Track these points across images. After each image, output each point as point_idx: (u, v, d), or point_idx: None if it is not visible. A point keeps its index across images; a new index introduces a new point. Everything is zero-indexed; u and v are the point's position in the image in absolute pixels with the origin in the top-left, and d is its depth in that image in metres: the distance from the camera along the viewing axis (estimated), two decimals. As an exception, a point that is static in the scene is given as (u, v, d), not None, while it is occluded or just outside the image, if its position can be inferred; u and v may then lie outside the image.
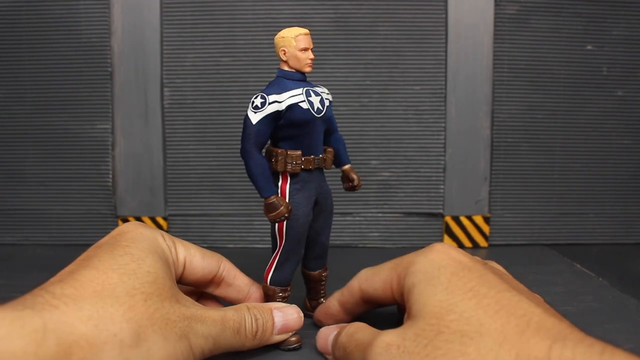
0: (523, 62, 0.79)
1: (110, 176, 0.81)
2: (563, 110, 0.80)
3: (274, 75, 0.46)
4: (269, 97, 0.44)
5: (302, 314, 0.44)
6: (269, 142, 0.46)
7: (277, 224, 0.46)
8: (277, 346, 0.44)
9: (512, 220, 0.81)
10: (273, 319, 0.43)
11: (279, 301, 0.46)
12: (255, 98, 0.44)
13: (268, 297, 0.47)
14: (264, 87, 0.45)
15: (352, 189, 0.51)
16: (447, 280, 0.34)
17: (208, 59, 0.79)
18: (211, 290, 0.47)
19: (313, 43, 0.46)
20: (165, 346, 0.34)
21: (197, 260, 0.44)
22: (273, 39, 0.46)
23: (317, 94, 0.46)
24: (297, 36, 0.45)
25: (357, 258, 0.74)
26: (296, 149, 0.45)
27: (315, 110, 0.45)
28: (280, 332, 0.43)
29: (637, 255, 0.76)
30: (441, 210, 0.80)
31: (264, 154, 0.46)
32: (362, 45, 0.79)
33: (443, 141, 0.80)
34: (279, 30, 0.46)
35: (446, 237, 0.80)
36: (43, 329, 0.29)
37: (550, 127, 0.80)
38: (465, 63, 0.78)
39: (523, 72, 0.79)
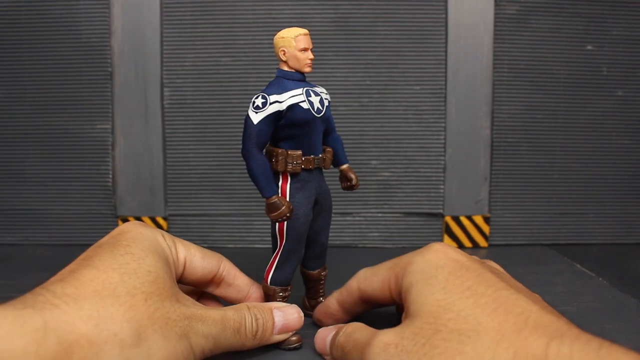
0: (523, 62, 0.79)
1: (110, 176, 0.81)
2: (563, 110, 0.80)
3: (274, 75, 0.47)
4: (270, 97, 0.44)
5: (302, 314, 0.44)
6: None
7: (277, 224, 0.46)
8: (278, 346, 0.44)
9: (512, 220, 0.82)
10: (273, 319, 0.43)
11: (279, 301, 0.46)
12: (256, 98, 0.44)
13: (268, 297, 0.47)
14: (263, 87, 0.45)
15: (350, 188, 0.51)
16: (445, 279, 0.34)
17: (208, 59, 0.79)
18: (211, 290, 0.47)
19: (312, 43, 0.46)
20: (165, 345, 0.34)
21: (198, 260, 0.44)
22: (273, 39, 0.46)
23: (316, 94, 0.46)
24: (296, 36, 0.45)
25: (357, 258, 0.74)
26: (296, 148, 0.45)
27: (315, 110, 0.45)
28: (281, 332, 0.43)
29: (637, 255, 0.76)
30: (441, 210, 0.80)
31: (264, 154, 0.46)
32: (362, 45, 0.79)
33: (443, 141, 0.80)
34: (279, 30, 0.46)
35: (446, 237, 0.80)
36: (44, 328, 0.29)
37: (550, 127, 0.80)
38: (465, 63, 0.78)
39: (523, 72, 0.79)
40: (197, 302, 0.40)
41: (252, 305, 0.42)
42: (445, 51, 0.78)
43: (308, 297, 0.52)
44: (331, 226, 0.51)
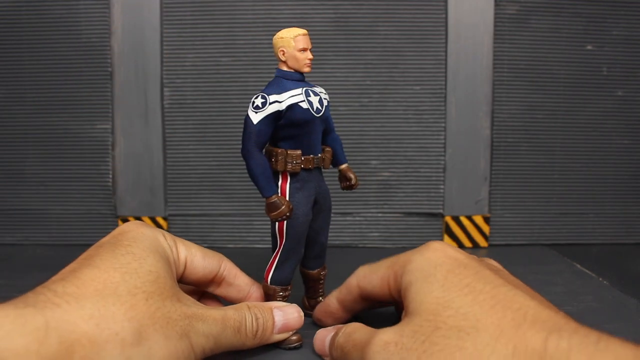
0: (523, 62, 0.79)
1: (110, 176, 0.81)
2: (563, 110, 0.80)
3: (274, 75, 0.47)
4: (270, 97, 0.44)
5: (302, 313, 0.45)
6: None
7: (277, 224, 0.46)
8: (278, 345, 0.44)
9: (512, 220, 0.82)
10: (273, 318, 0.43)
11: (279, 300, 0.46)
12: (256, 98, 0.44)
13: (268, 297, 0.47)
14: (263, 87, 0.45)
15: (350, 188, 0.51)
16: (444, 277, 0.34)
17: (208, 59, 0.79)
18: (212, 289, 0.47)
19: (311, 43, 0.46)
20: (166, 345, 0.34)
21: (198, 259, 0.44)
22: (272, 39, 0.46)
23: (315, 94, 0.46)
24: (295, 36, 0.45)
25: (357, 258, 0.73)
26: (296, 148, 0.46)
27: (314, 110, 0.45)
28: (281, 331, 0.43)
29: (637, 255, 0.76)
30: (441, 210, 0.80)
31: (264, 154, 0.46)
32: (362, 45, 0.79)
33: (443, 141, 0.80)
34: (279, 30, 0.46)
35: (446, 237, 0.80)
36: (45, 327, 0.29)
37: (550, 127, 0.80)
38: (465, 63, 0.78)
39: (523, 72, 0.79)
40: (197, 302, 0.40)
41: (252, 304, 0.42)
42: (445, 51, 0.78)
43: (307, 297, 0.52)
44: (331, 226, 0.51)
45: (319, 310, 0.48)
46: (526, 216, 0.82)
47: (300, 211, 0.46)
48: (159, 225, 0.80)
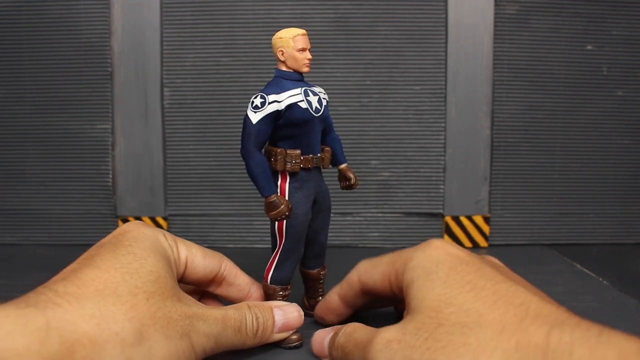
0: (523, 62, 0.79)
1: (110, 176, 0.81)
2: (563, 110, 0.80)
3: (273, 75, 0.47)
4: (269, 97, 0.44)
5: (302, 312, 0.45)
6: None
7: (277, 223, 0.46)
8: (278, 344, 0.44)
9: (512, 220, 0.81)
10: (273, 318, 0.43)
11: (279, 300, 0.46)
12: (255, 98, 0.44)
13: (268, 296, 0.47)
14: (262, 87, 0.45)
15: (349, 187, 0.51)
16: (445, 274, 0.34)
17: (208, 59, 0.79)
18: (212, 289, 0.47)
19: (311, 43, 0.46)
20: (167, 345, 0.34)
21: (199, 259, 0.44)
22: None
23: (314, 94, 0.46)
24: (294, 37, 0.45)
25: (357, 258, 0.73)
26: (295, 148, 0.46)
27: (313, 109, 0.46)
28: (281, 331, 0.43)
29: (637, 255, 0.76)
30: (441, 210, 0.80)
31: (263, 154, 0.46)
32: (362, 45, 0.79)
33: (443, 141, 0.80)
34: (279, 31, 0.46)
35: (446, 237, 0.80)
36: (46, 327, 0.29)
37: (550, 127, 0.80)
38: (465, 63, 0.78)
39: (523, 72, 0.79)
40: (198, 302, 0.40)
41: (252, 304, 0.42)
42: (445, 51, 0.78)
43: (307, 297, 0.52)
44: (331, 226, 0.51)
45: (320, 308, 0.48)
46: (526, 216, 0.82)
47: (299, 211, 0.46)
48: (159, 225, 0.80)
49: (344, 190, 0.52)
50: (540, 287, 0.36)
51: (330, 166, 0.50)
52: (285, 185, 0.46)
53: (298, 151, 0.45)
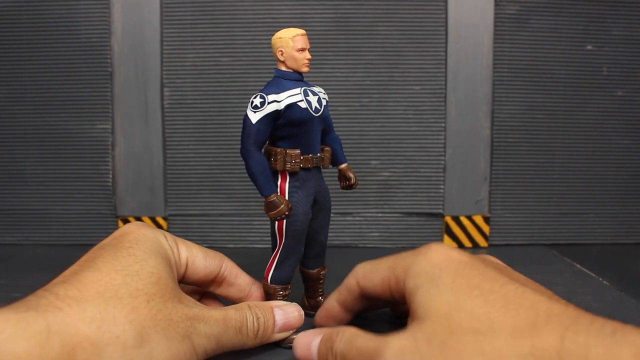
0: (523, 62, 0.79)
1: (110, 176, 0.81)
2: (563, 110, 0.80)
3: (273, 75, 0.47)
4: (268, 96, 0.44)
5: (302, 312, 0.45)
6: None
7: (277, 223, 0.46)
8: (278, 344, 0.44)
9: (512, 220, 0.81)
10: (274, 318, 0.43)
11: (279, 299, 0.46)
12: (255, 98, 0.44)
13: (269, 296, 0.47)
14: (262, 87, 0.45)
15: (349, 187, 0.51)
16: (451, 280, 0.34)
17: (208, 59, 0.79)
18: (213, 289, 0.47)
19: (310, 43, 0.46)
20: (168, 347, 0.34)
21: (199, 260, 0.44)
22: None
23: (314, 94, 0.46)
24: (294, 37, 0.45)
25: (357, 258, 0.73)
26: (295, 148, 0.46)
27: (313, 109, 0.46)
28: (281, 330, 0.43)
29: (637, 255, 0.76)
30: (441, 210, 0.80)
31: (263, 153, 0.46)
32: (362, 45, 0.79)
33: (443, 141, 0.80)
34: (278, 31, 0.46)
35: (446, 237, 0.80)
36: (47, 331, 0.29)
37: (550, 127, 0.80)
38: (465, 63, 0.78)
39: (523, 72, 0.79)
40: (198, 303, 0.40)
41: (253, 304, 0.42)
42: (445, 51, 0.78)
43: (307, 297, 0.52)
44: (331, 226, 0.51)
45: (319, 316, 0.47)
46: (526, 216, 0.82)
47: (299, 210, 0.46)
48: (159, 225, 0.80)
49: (344, 190, 0.52)
50: (541, 288, 0.36)
51: (330, 166, 0.50)
52: (285, 185, 0.46)
53: (298, 151, 0.45)
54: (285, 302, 0.45)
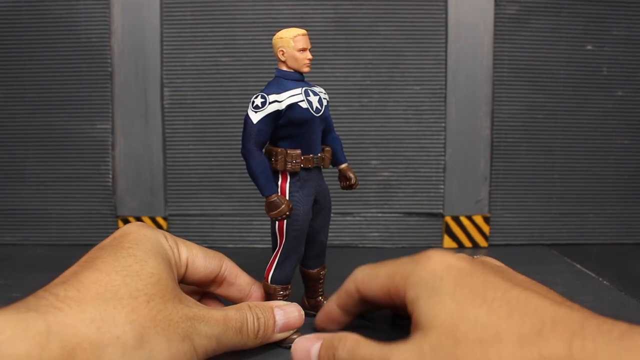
0: (523, 62, 0.79)
1: (110, 176, 0.81)
2: (563, 110, 0.80)
3: (274, 75, 0.47)
4: (269, 96, 0.44)
5: (302, 312, 0.45)
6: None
7: (277, 223, 0.46)
8: (279, 344, 0.44)
9: (512, 220, 0.82)
10: (274, 318, 0.43)
11: (279, 299, 0.46)
12: (256, 98, 0.44)
13: (269, 296, 0.47)
14: (263, 87, 0.45)
15: (349, 187, 0.51)
16: (453, 289, 0.33)
17: (208, 59, 0.79)
18: (213, 289, 0.47)
19: (311, 43, 0.46)
20: (168, 347, 0.34)
21: (200, 260, 0.44)
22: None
23: (315, 94, 0.46)
24: (295, 37, 0.45)
25: (357, 258, 0.74)
26: (295, 148, 0.46)
27: (314, 109, 0.46)
28: (282, 330, 0.43)
29: (637, 255, 0.76)
30: (441, 210, 0.80)
31: (264, 153, 0.46)
32: (362, 45, 0.79)
33: (443, 141, 0.80)
34: (279, 31, 0.46)
35: (446, 237, 0.80)
36: (47, 332, 0.29)
37: (550, 127, 0.80)
38: (465, 63, 0.78)
39: (523, 72, 0.79)
40: (199, 303, 0.40)
41: (253, 304, 0.42)
42: (445, 51, 0.78)
43: (307, 296, 0.52)
44: (331, 226, 0.51)
45: (320, 319, 0.47)
46: (526, 216, 0.82)
47: (300, 210, 0.46)
48: (159, 226, 0.80)
49: (344, 190, 0.52)
50: (541, 288, 0.36)
51: (330, 166, 0.50)
52: (285, 185, 0.46)
53: (298, 151, 0.45)
54: (285, 302, 0.45)
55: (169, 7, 0.78)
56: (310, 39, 0.46)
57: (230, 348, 0.40)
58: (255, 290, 0.48)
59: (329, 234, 0.51)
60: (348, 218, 0.81)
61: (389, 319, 0.50)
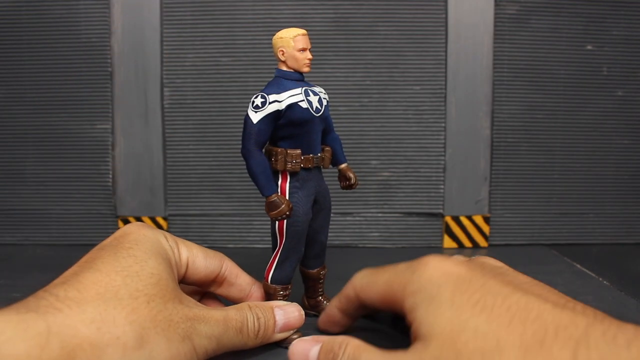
0: (523, 62, 0.79)
1: (110, 176, 0.81)
2: (563, 110, 0.80)
3: (274, 75, 0.47)
4: (269, 96, 0.44)
5: (303, 312, 0.45)
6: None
7: (277, 223, 0.46)
8: (279, 344, 0.44)
9: (512, 220, 0.82)
10: (274, 318, 0.43)
11: (280, 299, 0.46)
12: (256, 98, 0.44)
13: (269, 296, 0.47)
14: (263, 87, 0.45)
15: (349, 187, 0.51)
16: (451, 296, 0.32)
17: (208, 59, 0.79)
18: (213, 289, 0.47)
19: (311, 43, 0.46)
20: (168, 348, 0.34)
21: (200, 260, 0.44)
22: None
23: (315, 94, 0.46)
24: (295, 37, 0.45)
25: (357, 258, 0.74)
26: (295, 148, 0.46)
27: (314, 109, 0.46)
28: (282, 330, 0.43)
29: (637, 255, 0.76)
30: (441, 210, 0.80)
31: (263, 153, 0.46)
32: (362, 45, 0.79)
33: (443, 141, 0.80)
34: (279, 31, 0.46)
35: (446, 237, 0.80)
36: (47, 333, 0.29)
37: (550, 127, 0.80)
38: (465, 63, 0.78)
39: (523, 72, 0.79)
40: (199, 303, 0.40)
41: (253, 304, 0.42)
42: (445, 51, 0.78)
43: (307, 296, 0.52)
44: (331, 226, 0.51)
45: (322, 321, 0.47)
46: (526, 216, 0.82)
47: (300, 210, 0.46)
48: (159, 226, 0.80)
49: (344, 190, 0.52)
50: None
51: (330, 166, 0.50)
52: (285, 185, 0.46)
53: (298, 151, 0.45)
54: (285, 302, 0.45)
55: (169, 7, 0.78)
56: (310, 39, 0.46)
57: (230, 348, 0.40)
58: (256, 290, 0.48)
59: (329, 234, 0.51)
60: (348, 218, 0.81)
61: (389, 319, 0.50)
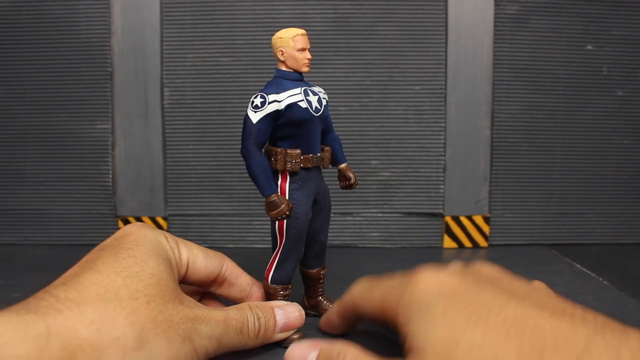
0: (523, 62, 0.79)
1: (110, 176, 0.81)
2: (563, 110, 0.80)
3: (273, 75, 0.47)
4: (269, 96, 0.44)
5: (303, 312, 0.45)
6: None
7: (277, 223, 0.46)
8: (279, 344, 0.44)
9: (512, 220, 0.81)
10: (275, 318, 0.43)
11: (280, 299, 0.46)
12: (255, 98, 0.44)
13: (269, 296, 0.47)
14: (262, 87, 0.45)
15: (349, 187, 0.51)
16: (444, 310, 0.32)
17: (208, 59, 0.79)
18: (214, 289, 0.47)
19: (311, 43, 0.46)
20: (168, 348, 0.34)
21: (200, 260, 0.44)
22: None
23: (314, 94, 0.46)
24: (294, 36, 0.45)
25: (357, 258, 0.74)
26: (295, 147, 0.46)
27: (313, 109, 0.46)
28: (282, 330, 0.43)
29: (637, 255, 0.76)
30: (441, 210, 0.80)
31: (263, 153, 0.46)
32: (362, 45, 0.79)
33: (443, 141, 0.80)
34: (278, 31, 0.46)
35: (446, 237, 0.80)
36: (47, 334, 0.29)
37: (550, 127, 0.80)
38: (465, 63, 0.78)
39: (523, 72, 0.79)
40: (199, 304, 0.40)
41: (253, 304, 0.42)
42: (445, 51, 0.78)
43: (307, 296, 0.52)
44: (331, 226, 0.51)
45: (323, 323, 0.48)
46: (526, 216, 0.82)
47: (300, 210, 0.46)
48: (159, 226, 0.80)
49: (344, 190, 0.52)
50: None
51: (330, 166, 0.50)
52: (285, 185, 0.46)
53: (298, 151, 0.45)
54: (285, 302, 0.45)
55: (169, 7, 0.78)
56: (310, 39, 0.46)
57: (230, 348, 0.40)
58: (256, 290, 0.48)
59: (329, 234, 0.51)
60: (348, 218, 0.81)
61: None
